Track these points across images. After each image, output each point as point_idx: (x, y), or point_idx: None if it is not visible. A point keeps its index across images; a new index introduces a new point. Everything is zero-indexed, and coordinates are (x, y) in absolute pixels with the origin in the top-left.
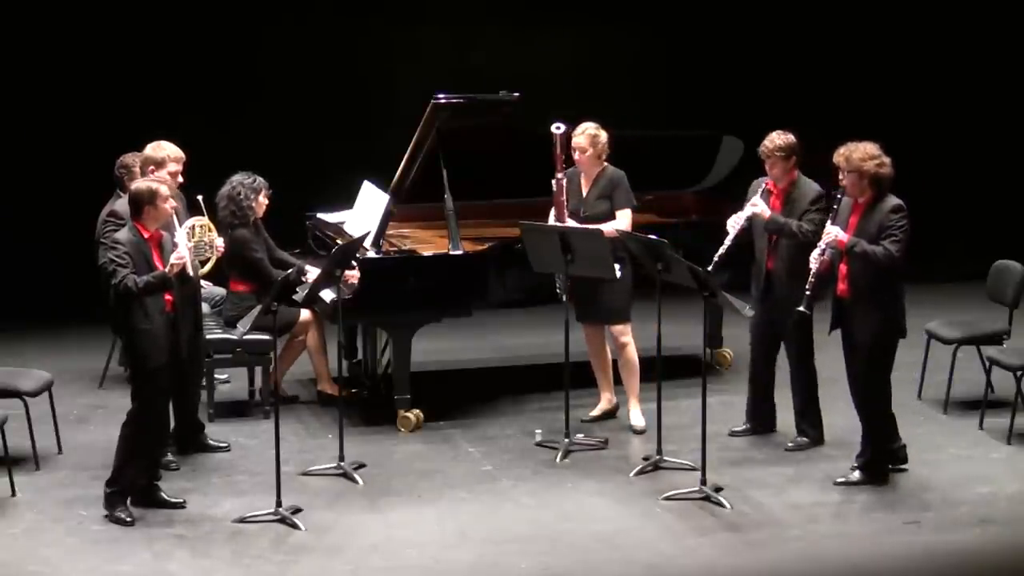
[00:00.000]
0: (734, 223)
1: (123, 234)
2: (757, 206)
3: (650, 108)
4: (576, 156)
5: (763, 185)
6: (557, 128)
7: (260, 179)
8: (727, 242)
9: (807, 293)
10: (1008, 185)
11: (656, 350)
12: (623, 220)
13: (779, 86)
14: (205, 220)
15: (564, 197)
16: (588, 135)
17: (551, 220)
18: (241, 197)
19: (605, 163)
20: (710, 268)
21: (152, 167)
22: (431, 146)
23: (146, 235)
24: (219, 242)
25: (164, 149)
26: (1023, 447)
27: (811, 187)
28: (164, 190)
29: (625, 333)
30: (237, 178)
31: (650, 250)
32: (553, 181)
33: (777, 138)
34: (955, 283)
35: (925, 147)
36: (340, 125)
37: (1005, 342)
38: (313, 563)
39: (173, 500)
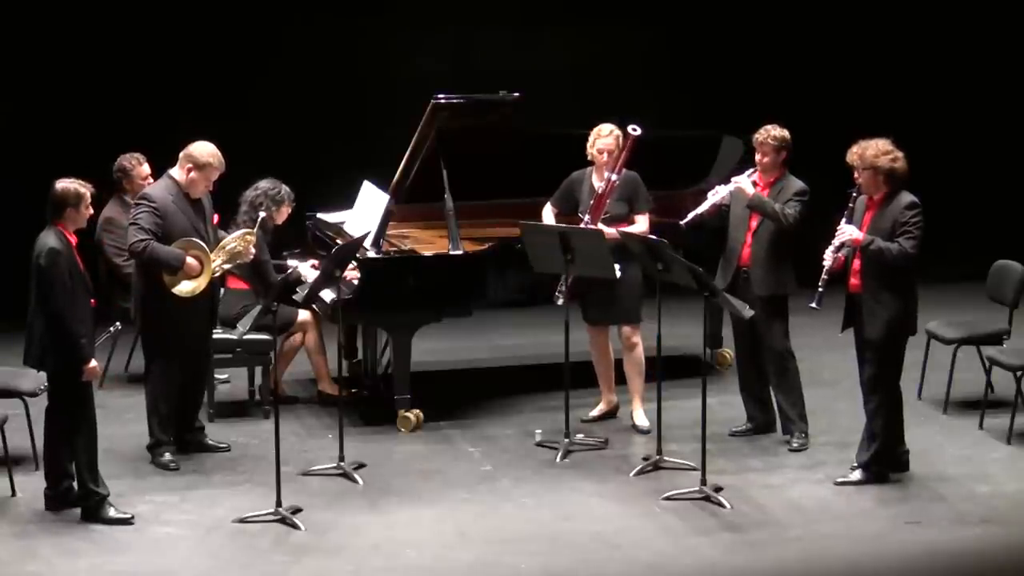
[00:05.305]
0: (714, 193)
1: (54, 241)
2: (740, 182)
3: (650, 108)
4: (603, 158)
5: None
6: (634, 130)
7: (285, 189)
8: (703, 207)
9: (819, 290)
10: (1008, 185)
11: (656, 350)
12: (644, 223)
13: (780, 86)
14: (253, 232)
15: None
16: (616, 136)
17: (586, 218)
18: (262, 208)
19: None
20: (684, 223)
21: (191, 165)
22: (431, 146)
23: (69, 237)
24: (252, 249)
25: (212, 156)
26: (1023, 447)
27: (797, 182)
28: (88, 195)
29: (636, 334)
30: (263, 185)
31: (650, 250)
32: (606, 180)
33: (774, 128)
34: (955, 283)
35: (925, 147)
36: (340, 125)
37: (1005, 342)
38: (313, 563)
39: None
